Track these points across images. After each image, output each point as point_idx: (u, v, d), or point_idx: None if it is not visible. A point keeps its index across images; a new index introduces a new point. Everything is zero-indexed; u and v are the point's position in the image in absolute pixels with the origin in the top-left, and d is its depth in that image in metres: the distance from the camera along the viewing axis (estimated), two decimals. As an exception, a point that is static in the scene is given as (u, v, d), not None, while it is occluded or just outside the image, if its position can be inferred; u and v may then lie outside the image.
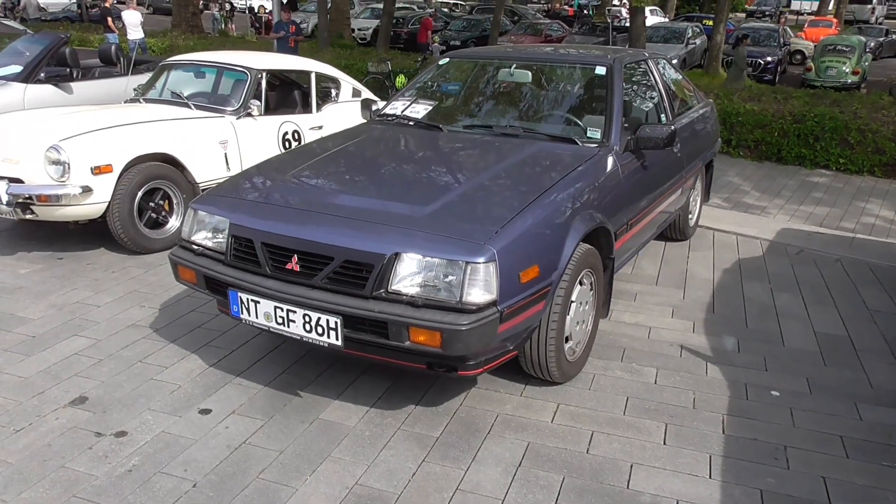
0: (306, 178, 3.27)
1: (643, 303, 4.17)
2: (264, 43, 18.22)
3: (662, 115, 4.34)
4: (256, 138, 5.43)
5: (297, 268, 2.77)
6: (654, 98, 4.35)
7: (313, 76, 6.10)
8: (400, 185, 3.12)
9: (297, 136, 5.79)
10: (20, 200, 4.36)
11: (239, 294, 2.85)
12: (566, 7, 31.28)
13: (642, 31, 14.04)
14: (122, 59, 7.16)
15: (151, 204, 4.78)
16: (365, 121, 4.41)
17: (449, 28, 22.84)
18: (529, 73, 4.09)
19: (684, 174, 4.52)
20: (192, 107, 5.33)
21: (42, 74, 6.35)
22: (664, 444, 2.82)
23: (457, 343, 2.52)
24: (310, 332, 2.72)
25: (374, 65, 12.42)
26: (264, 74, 5.58)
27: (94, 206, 4.48)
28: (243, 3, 31.22)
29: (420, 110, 4.04)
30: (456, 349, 2.55)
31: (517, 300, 2.65)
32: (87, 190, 4.38)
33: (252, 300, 2.82)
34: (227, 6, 27.62)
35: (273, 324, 2.81)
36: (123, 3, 16.38)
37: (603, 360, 3.47)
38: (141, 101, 5.60)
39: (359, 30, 23.77)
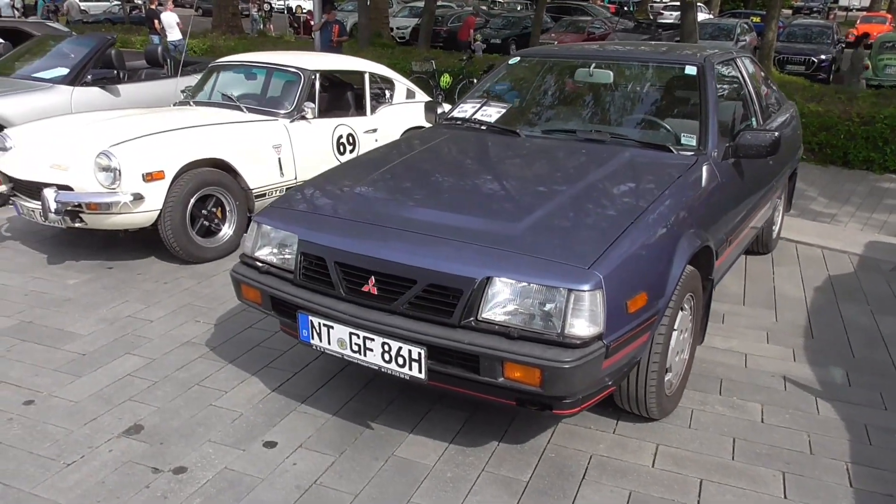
0: (379, 189, 2.99)
1: (733, 325, 3.82)
2: (302, 42, 18.12)
3: (753, 119, 3.98)
4: (310, 142, 5.19)
5: (375, 290, 2.50)
6: (743, 100, 4.00)
7: (367, 77, 5.84)
8: (483, 198, 2.83)
9: (351, 140, 5.54)
10: (69, 208, 4.18)
11: (310, 318, 2.59)
12: (606, 4, 30.70)
13: (693, 27, 13.55)
14: (168, 60, 6.99)
15: (204, 211, 4.57)
16: (429, 125, 4.14)
17: (488, 26, 22.49)
18: (611, 74, 3.77)
19: (775, 183, 4.16)
20: (244, 109, 5.11)
21: (89, 77, 6.20)
22: (784, 497, 2.48)
23: (559, 382, 2.23)
24: (389, 362, 2.45)
25: (417, 64, 12.17)
26: (317, 75, 5.34)
27: (145, 215, 4.27)
28: (281, 3, 31.27)
29: (492, 114, 3.75)
30: (557, 389, 2.25)
31: (624, 332, 2.34)
32: (138, 197, 4.18)
33: (324, 325, 2.56)
34: (266, 6, 27.64)
35: (347, 351, 2.55)
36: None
37: (699, 392, 3.14)
38: (191, 103, 5.40)
39: (397, 28, 23.55)
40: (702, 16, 25.58)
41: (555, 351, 2.23)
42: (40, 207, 4.20)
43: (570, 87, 3.89)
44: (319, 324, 2.58)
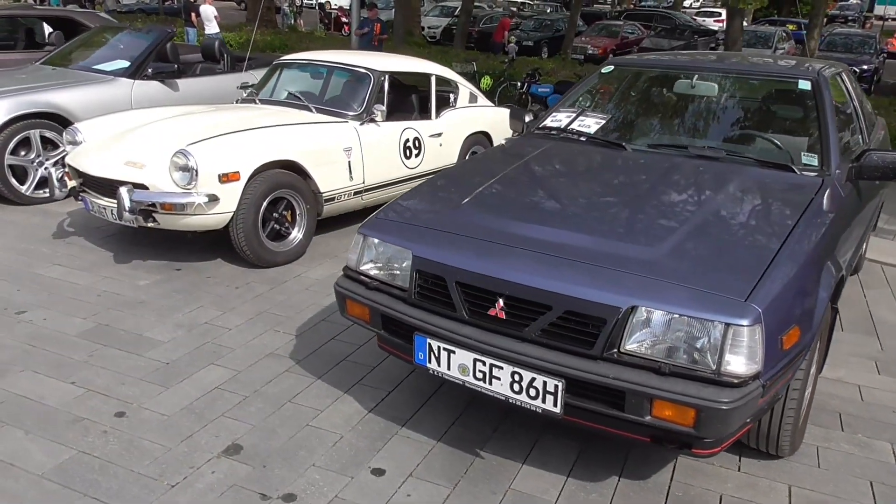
0: (493, 203, 2.83)
1: (836, 353, 3.63)
2: (336, 39, 18.02)
3: (859, 136, 3.79)
4: (379, 146, 5.05)
5: (503, 315, 2.35)
6: (850, 117, 3.81)
7: (433, 79, 5.69)
8: (611, 218, 2.66)
9: (417, 144, 5.39)
10: (142, 207, 4.06)
11: (428, 341, 2.44)
12: (640, 9, 30.36)
13: (739, 34, 13.32)
14: (225, 54, 6.87)
15: (275, 214, 4.44)
16: (516, 133, 3.98)
17: (520, 28, 22.29)
18: (715, 86, 3.60)
19: (877, 204, 3.97)
20: (314, 110, 4.97)
21: (149, 70, 6.09)
22: (940, 550, 2.31)
23: (715, 423, 2.06)
24: (519, 393, 2.30)
25: (458, 65, 12.00)
26: (386, 77, 5.20)
27: (218, 216, 4.14)
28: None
29: (591, 125, 3.58)
30: (713, 430, 2.09)
31: (778, 370, 2.17)
32: (213, 199, 4.05)
33: (445, 349, 2.41)
34: (298, 2, 27.58)
35: (470, 378, 2.40)
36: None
37: (820, 427, 2.96)
38: (257, 101, 5.28)
39: (429, 28, 23.42)
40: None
41: (711, 390, 2.07)
42: (115, 206, 4.09)
43: (675, 99, 3.71)
44: (439, 347, 2.43)
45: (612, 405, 2.18)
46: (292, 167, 4.47)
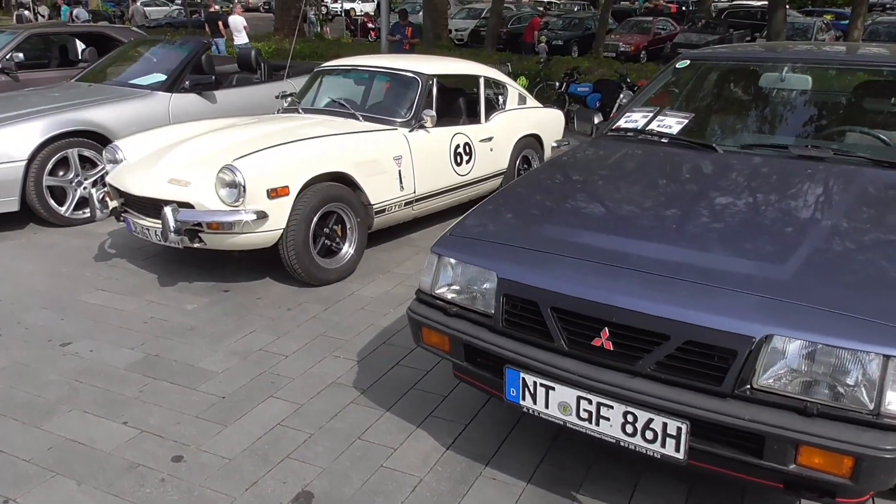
0: (583, 215, 2.55)
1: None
2: (360, 45, 17.86)
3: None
4: (429, 153, 4.79)
5: (610, 345, 2.06)
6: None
7: (482, 81, 5.42)
8: (722, 231, 2.35)
9: (467, 150, 5.12)
10: (188, 227, 3.84)
11: (523, 375, 2.16)
12: (668, 4, 29.77)
13: (783, 26, 12.85)
14: (262, 64, 6.68)
15: (325, 230, 4.19)
16: (587, 135, 3.69)
17: (549, 27, 21.93)
18: (809, 79, 3.27)
19: None
20: (360, 118, 4.73)
21: (186, 83, 5.91)
22: None
23: (878, 474, 1.76)
24: (633, 435, 2.00)
25: (493, 67, 11.72)
26: (434, 80, 4.94)
27: (267, 234, 3.91)
28: (338, 6, 31.22)
29: (672, 124, 3.27)
30: (874, 482, 1.78)
31: (945, 407, 1.85)
32: (262, 216, 3.82)
33: (543, 385, 2.13)
34: (324, 9, 27.56)
35: (572, 418, 2.11)
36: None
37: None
38: (300, 110, 5.05)
39: (456, 30, 23.18)
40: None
41: (872, 434, 1.75)
42: (159, 226, 3.88)
43: (764, 94, 3.38)
44: (535, 383, 2.15)
45: (746, 451, 1.88)
46: (342, 179, 4.23)
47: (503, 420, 2.84)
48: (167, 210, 3.76)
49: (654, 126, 3.31)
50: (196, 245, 3.92)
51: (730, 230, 2.33)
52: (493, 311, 2.31)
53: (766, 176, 2.75)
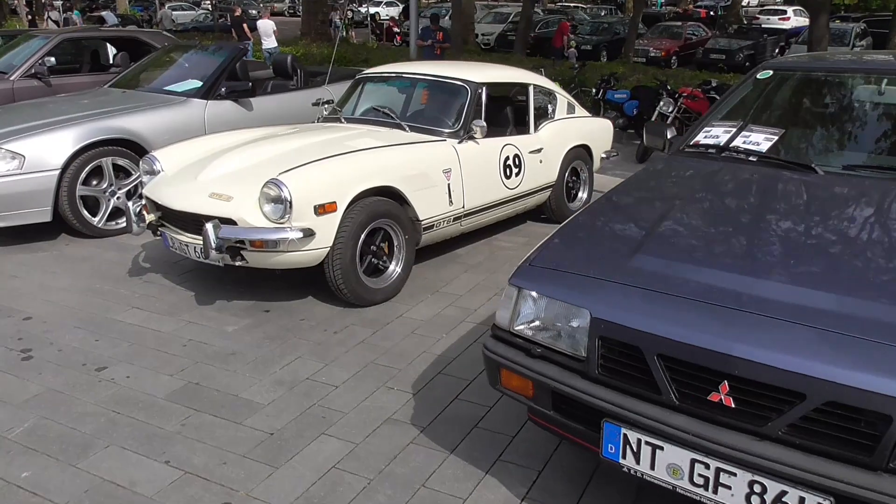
0: (684, 246, 2.28)
1: None
2: (387, 50, 17.66)
3: None
4: (479, 166, 4.54)
5: (731, 402, 1.79)
6: None
7: (531, 90, 5.17)
8: (852, 268, 2.05)
9: (517, 162, 4.86)
10: (230, 245, 3.62)
11: (624, 431, 1.90)
12: (698, 9, 29.31)
13: (825, 32, 12.41)
14: (299, 71, 6.47)
15: (372, 247, 3.96)
16: (659, 151, 3.42)
17: (577, 32, 21.62)
18: (913, 92, 2.98)
19: None
20: (407, 128, 4.49)
21: (222, 89, 5.72)
22: None
23: None
24: (760, 509, 1.73)
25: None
26: (483, 89, 4.69)
27: (313, 253, 3.68)
28: (363, 11, 31.13)
29: (759, 140, 2.99)
30: None
31: None
32: (308, 234, 3.59)
33: (649, 443, 1.86)
34: (350, 14, 27.46)
35: (684, 483, 1.84)
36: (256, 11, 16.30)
37: None
38: (342, 120, 4.83)
39: (482, 35, 22.97)
40: (802, 20, 24.04)
41: None
42: (199, 243, 3.66)
43: (861, 109, 3.09)
44: (640, 441, 1.88)
45: (905, 535, 1.60)
46: (390, 193, 3.99)
47: (579, 467, 2.57)
48: (208, 226, 3.54)
49: (738, 143, 3.03)
50: (238, 263, 3.70)
51: (862, 267, 2.05)
52: (584, 354, 2.05)
53: (882, 202, 2.46)
